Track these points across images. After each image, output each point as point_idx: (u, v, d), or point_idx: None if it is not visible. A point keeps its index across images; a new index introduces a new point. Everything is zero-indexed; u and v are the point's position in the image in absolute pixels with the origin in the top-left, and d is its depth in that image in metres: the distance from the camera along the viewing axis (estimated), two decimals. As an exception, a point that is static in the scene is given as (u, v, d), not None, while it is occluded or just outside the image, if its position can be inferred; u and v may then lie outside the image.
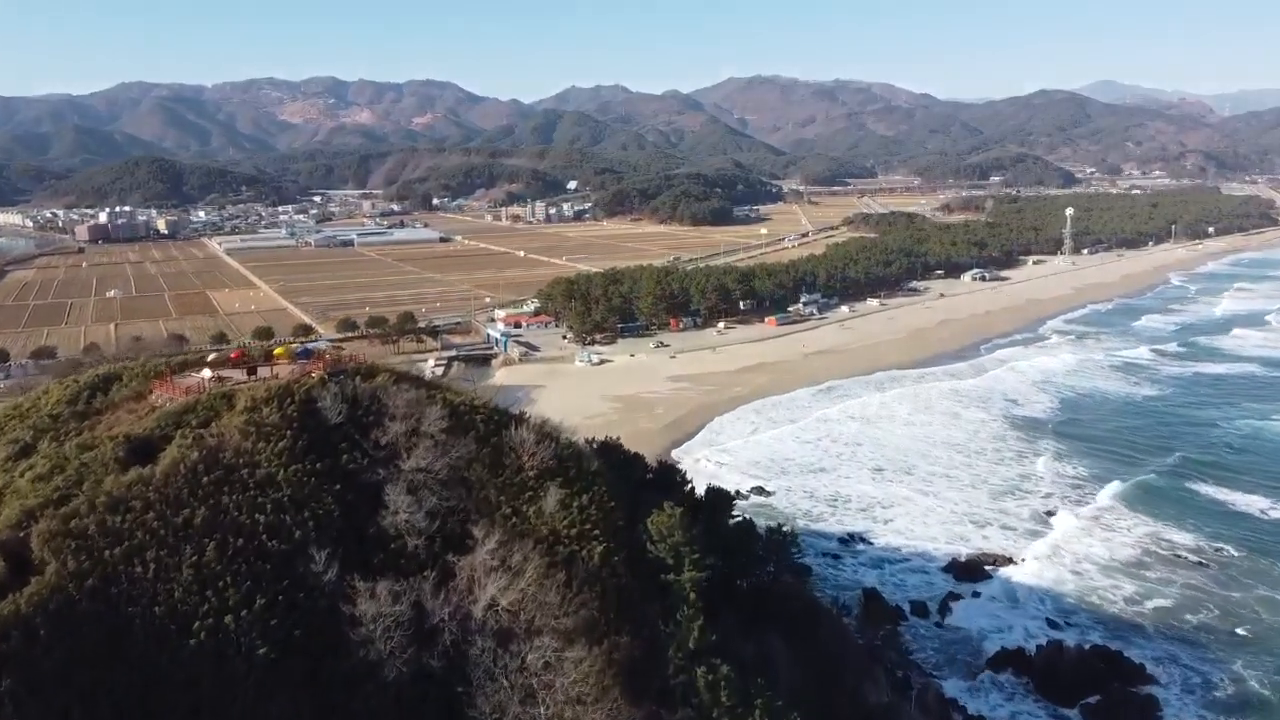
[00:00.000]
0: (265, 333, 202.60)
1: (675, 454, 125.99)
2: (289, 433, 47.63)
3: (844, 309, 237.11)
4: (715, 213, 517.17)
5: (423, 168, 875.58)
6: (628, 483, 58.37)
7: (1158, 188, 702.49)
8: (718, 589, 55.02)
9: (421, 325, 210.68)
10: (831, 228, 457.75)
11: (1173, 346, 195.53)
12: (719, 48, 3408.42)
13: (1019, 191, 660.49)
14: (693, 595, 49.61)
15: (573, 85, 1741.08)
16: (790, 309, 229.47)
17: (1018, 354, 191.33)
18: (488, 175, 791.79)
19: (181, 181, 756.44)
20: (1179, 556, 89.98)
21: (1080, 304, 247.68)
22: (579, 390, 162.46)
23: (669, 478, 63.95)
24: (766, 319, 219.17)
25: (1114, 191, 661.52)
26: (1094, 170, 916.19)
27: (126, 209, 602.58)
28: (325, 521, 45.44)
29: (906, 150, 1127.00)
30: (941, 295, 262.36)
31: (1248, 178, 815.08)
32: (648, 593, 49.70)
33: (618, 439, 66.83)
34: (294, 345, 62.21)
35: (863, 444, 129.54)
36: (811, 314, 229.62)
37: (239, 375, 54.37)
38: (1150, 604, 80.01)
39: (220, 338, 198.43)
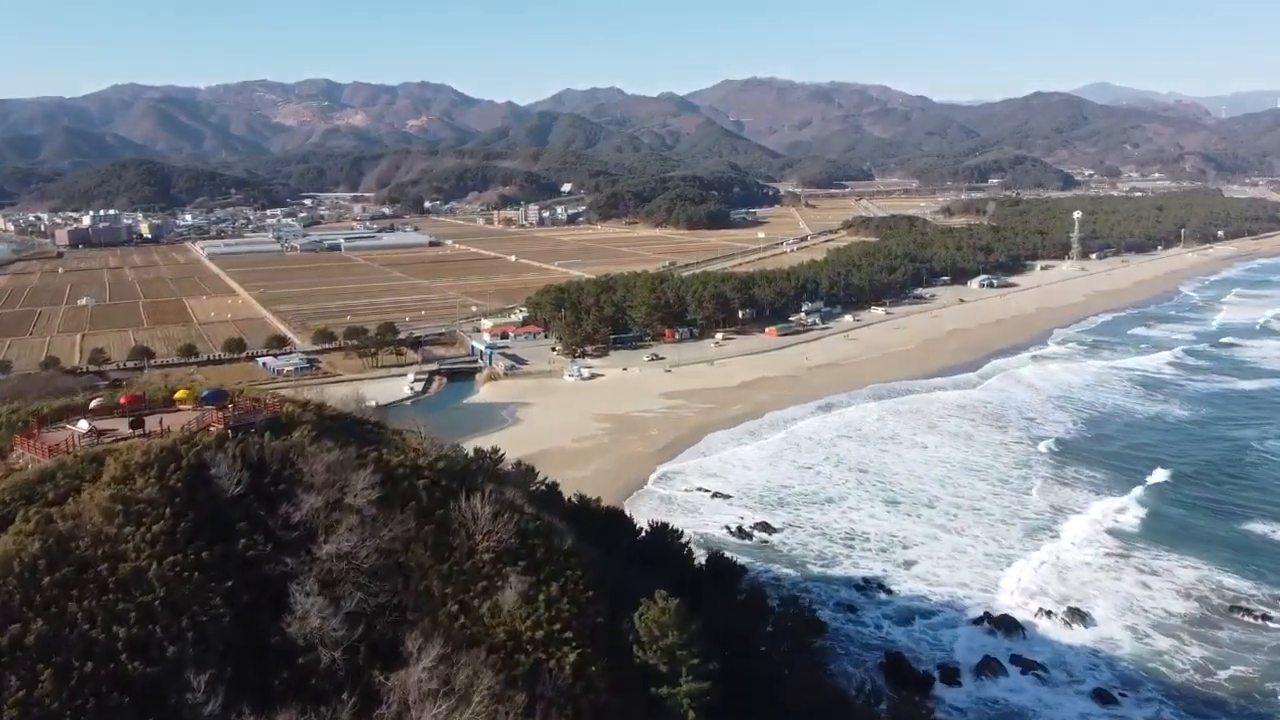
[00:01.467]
0: (237, 344, 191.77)
1: (669, 481, 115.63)
2: (169, 511, 36.78)
3: (848, 318, 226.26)
4: (711, 216, 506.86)
5: (415, 170, 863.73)
6: (611, 556, 47.67)
7: (1158, 190, 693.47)
8: (720, 684, 44.26)
9: (403, 336, 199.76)
10: (830, 231, 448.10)
11: (1195, 360, 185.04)
12: (714, 50, 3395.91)
13: (1018, 194, 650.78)
14: (692, 714, 38.95)
15: (568, 87, 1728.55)
16: (792, 318, 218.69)
17: (1032, 367, 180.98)
18: (481, 178, 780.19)
19: (169, 184, 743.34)
20: (1243, 609, 79.29)
21: (1094, 312, 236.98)
22: (567, 408, 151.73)
23: (661, 545, 53.25)
24: (767, 329, 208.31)
25: (1116, 194, 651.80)
26: (1092, 172, 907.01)
27: (112, 212, 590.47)
28: (210, 631, 34.70)
29: (903, 152, 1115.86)
30: (963, 300, 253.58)
31: (1248, 180, 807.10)
32: (634, 710, 39.13)
33: (598, 499, 56.22)
34: (200, 387, 50.77)
35: (874, 470, 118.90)
36: (814, 323, 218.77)
37: (125, 427, 43.46)
38: (1225, 673, 69.18)
39: (189, 350, 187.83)
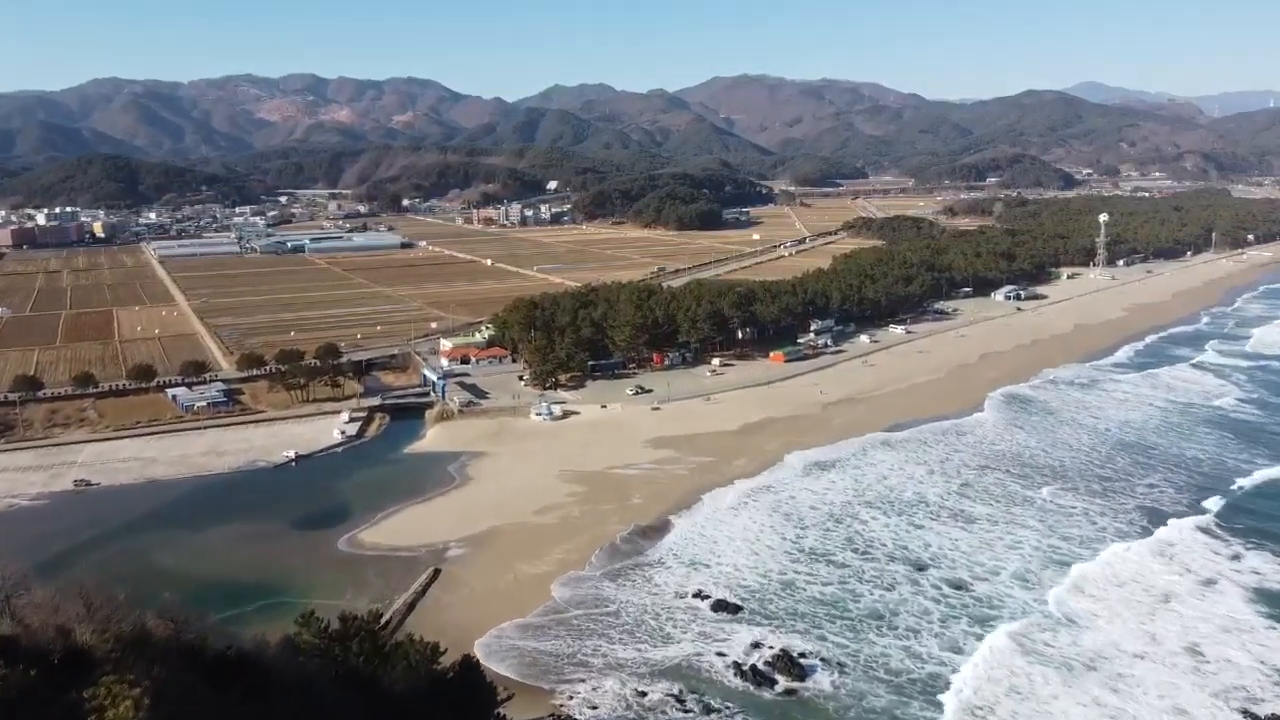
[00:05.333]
0: (145, 372, 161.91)
1: (651, 581, 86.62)
2: None
3: (863, 339, 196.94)
4: (703, 216, 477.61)
5: (397, 166, 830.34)
6: None
7: (1163, 189, 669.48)
8: None
9: (346, 360, 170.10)
10: (830, 233, 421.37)
11: (1276, 396, 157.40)
12: (705, 46, 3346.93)
13: (1020, 193, 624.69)
14: None
15: (557, 83, 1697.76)
16: (800, 340, 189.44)
17: (1083, 398, 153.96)
18: (464, 175, 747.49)
19: (137, 180, 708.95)
20: None
21: (1139, 331, 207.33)
22: (531, 461, 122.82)
23: None
24: (771, 354, 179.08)
25: (1122, 194, 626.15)
26: (1091, 171, 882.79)
27: (70, 209, 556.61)
28: None
29: (897, 151, 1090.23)
30: (1021, 313, 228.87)
31: (1251, 179, 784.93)
32: None
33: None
34: None
35: (929, 561, 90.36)
36: (825, 345, 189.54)
37: None
38: None
39: (85, 379, 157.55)
